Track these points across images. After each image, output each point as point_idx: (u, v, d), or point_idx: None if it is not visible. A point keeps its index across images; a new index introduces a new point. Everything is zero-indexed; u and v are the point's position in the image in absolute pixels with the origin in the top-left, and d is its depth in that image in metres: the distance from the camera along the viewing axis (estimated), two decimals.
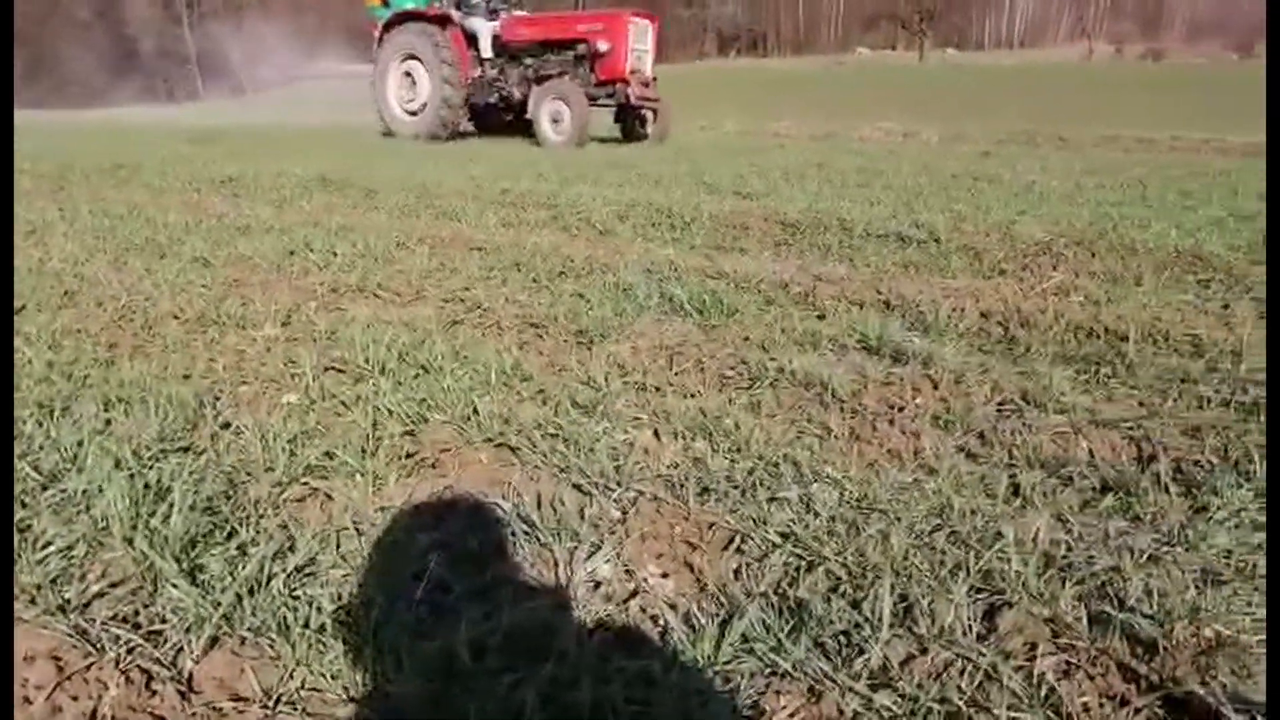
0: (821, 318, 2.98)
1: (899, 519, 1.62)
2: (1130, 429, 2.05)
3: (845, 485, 1.76)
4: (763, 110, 12.28)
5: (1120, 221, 4.61)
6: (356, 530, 1.60)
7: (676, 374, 2.46)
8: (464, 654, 1.24)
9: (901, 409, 2.21)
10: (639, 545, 1.57)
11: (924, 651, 1.27)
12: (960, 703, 1.16)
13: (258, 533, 1.58)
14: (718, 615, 1.36)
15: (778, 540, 1.56)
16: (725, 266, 3.70)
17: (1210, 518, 1.61)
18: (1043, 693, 1.18)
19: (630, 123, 13.12)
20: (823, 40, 73.13)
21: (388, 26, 13.02)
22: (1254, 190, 5.92)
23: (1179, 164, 8.62)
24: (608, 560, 1.51)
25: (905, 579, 1.43)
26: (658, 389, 2.33)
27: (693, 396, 2.28)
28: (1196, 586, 1.40)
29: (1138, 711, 1.15)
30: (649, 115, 12.96)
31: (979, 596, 1.39)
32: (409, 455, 1.92)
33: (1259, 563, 1.47)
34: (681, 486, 1.77)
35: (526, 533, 1.59)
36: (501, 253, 4.07)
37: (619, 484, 1.77)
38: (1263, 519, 1.62)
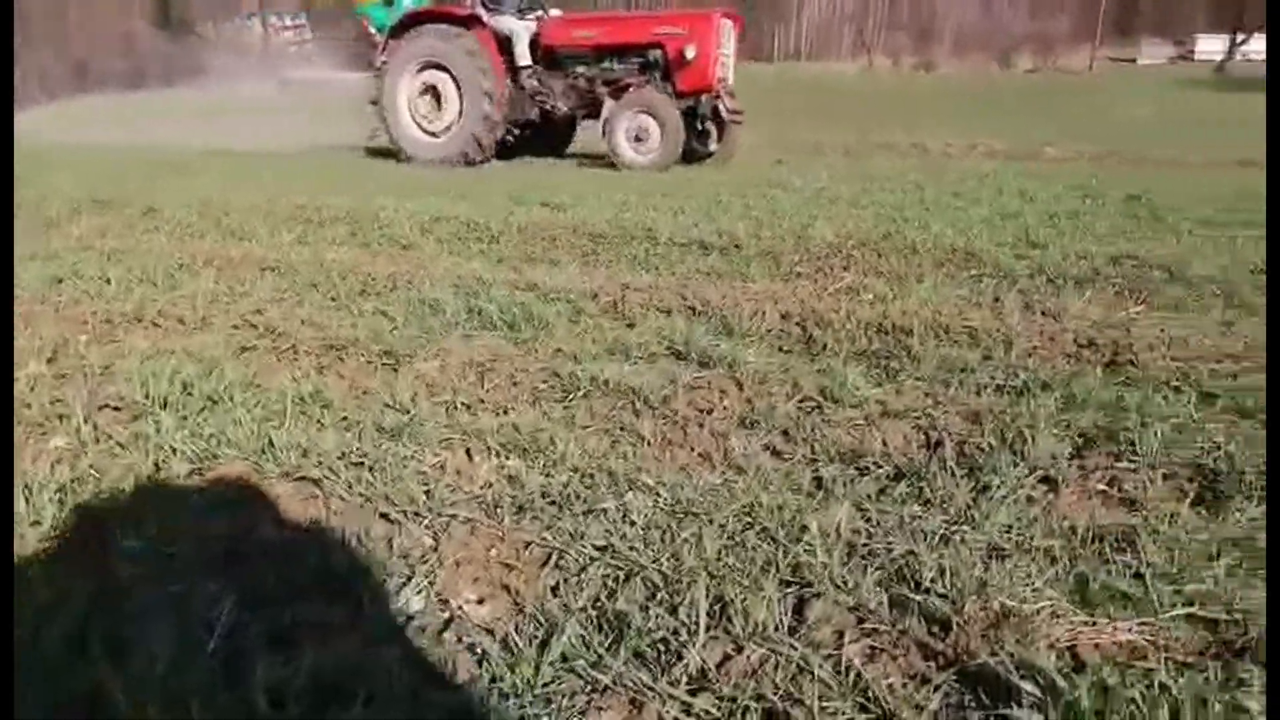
0: (631, 326, 3.01)
1: (711, 520, 1.65)
2: (918, 418, 2.19)
3: (659, 491, 1.78)
4: None
5: (902, 224, 4.93)
6: (138, 583, 1.46)
7: (488, 390, 2.41)
8: (261, 702, 1.16)
9: (710, 412, 2.26)
10: (453, 572, 1.53)
11: (740, 650, 1.29)
12: (775, 698, 1.19)
13: (25, 594, 1.42)
14: (536, 636, 1.34)
15: (595, 553, 1.56)
16: (535, 278, 3.67)
17: (992, 496, 1.73)
18: (851, 679, 1.23)
19: (694, 139, 10.15)
20: None
21: (397, 30, 10.37)
22: (1016, 190, 6.48)
23: (951, 168, 9.32)
24: (419, 591, 1.45)
25: (719, 580, 1.45)
26: (468, 407, 2.28)
27: (505, 412, 2.24)
28: (983, 562, 1.50)
29: (937, 688, 1.21)
30: (714, 131, 10.32)
31: (789, 590, 1.44)
32: (197, 493, 1.78)
33: (1035, 536, 1.59)
34: (496, 507, 1.73)
35: (329, 570, 1.51)
36: (297, 272, 3.87)
37: (430, 510, 1.72)
38: (1038, 494, 1.77)
